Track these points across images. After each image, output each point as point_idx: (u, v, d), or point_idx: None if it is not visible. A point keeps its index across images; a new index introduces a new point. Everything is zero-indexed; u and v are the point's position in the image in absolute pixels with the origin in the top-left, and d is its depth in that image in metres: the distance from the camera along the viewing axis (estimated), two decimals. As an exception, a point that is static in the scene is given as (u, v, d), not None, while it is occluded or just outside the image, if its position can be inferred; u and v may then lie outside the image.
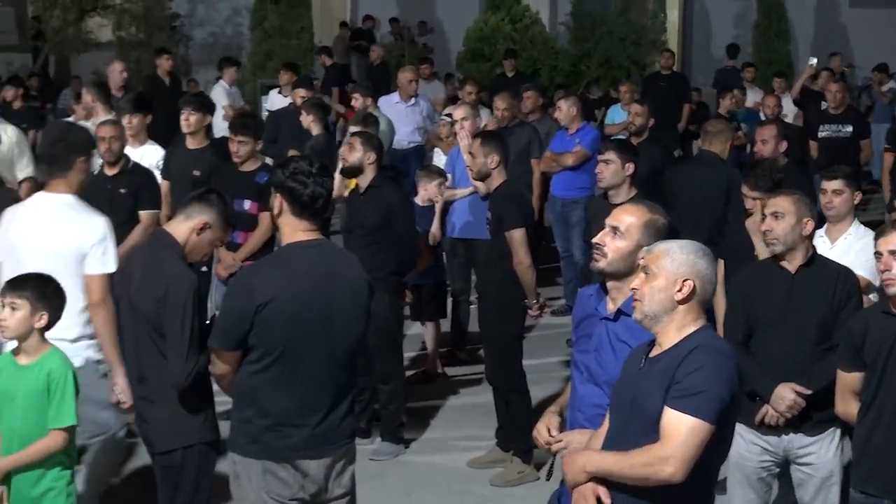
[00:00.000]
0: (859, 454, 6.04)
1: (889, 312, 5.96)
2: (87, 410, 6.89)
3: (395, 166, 12.18)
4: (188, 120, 10.70)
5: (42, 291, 6.24)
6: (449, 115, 13.30)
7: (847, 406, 6.17)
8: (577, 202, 12.81)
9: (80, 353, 7.05)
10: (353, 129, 11.44)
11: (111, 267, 7.04)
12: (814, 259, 6.77)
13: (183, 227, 6.32)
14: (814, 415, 6.67)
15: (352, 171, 9.56)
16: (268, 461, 5.70)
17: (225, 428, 6.03)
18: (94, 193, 8.25)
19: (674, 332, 4.81)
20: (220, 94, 17.24)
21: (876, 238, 6.21)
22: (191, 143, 10.75)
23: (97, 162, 10.45)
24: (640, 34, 26.48)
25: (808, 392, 6.58)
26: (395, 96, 16.05)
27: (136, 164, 9.83)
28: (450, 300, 11.71)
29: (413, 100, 15.88)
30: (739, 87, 20.12)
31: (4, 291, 6.26)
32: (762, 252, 7.53)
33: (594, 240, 5.46)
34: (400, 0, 29.84)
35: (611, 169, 8.84)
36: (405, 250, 9.36)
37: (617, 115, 17.45)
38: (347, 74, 25.32)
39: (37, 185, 10.87)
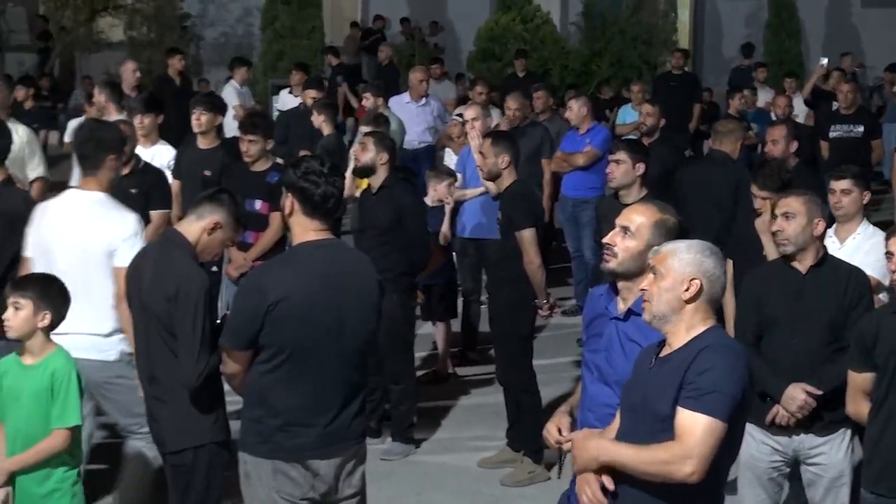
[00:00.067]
0: (870, 454, 6.03)
1: (900, 313, 5.96)
2: (123, 403, 6.93)
3: (407, 167, 12.18)
4: (199, 120, 10.71)
5: (45, 291, 6.25)
6: (460, 115, 13.30)
7: (858, 406, 6.16)
8: (587, 202, 12.81)
9: (113, 347, 7.10)
10: (364, 129, 11.44)
11: None
12: (825, 259, 6.76)
13: (194, 227, 6.33)
14: (824, 415, 6.66)
15: (364, 171, 9.57)
16: (278, 461, 5.70)
17: (235, 428, 6.04)
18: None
19: (683, 331, 4.81)
20: (231, 94, 17.25)
21: (886, 238, 6.21)
22: (202, 143, 10.76)
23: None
24: (651, 34, 26.48)
25: (819, 392, 6.58)
26: (405, 96, 16.05)
27: (148, 164, 9.83)
28: (460, 300, 11.71)
29: (424, 100, 15.88)
30: (750, 87, 20.10)
31: (9, 291, 6.28)
32: (771, 252, 7.52)
33: (604, 240, 5.46)
34: (411, 0, 29.84)
35: (621, 169, 8.84)
36: (417, 251, 9.36)
37: (628, 115, 17.44)
38: (358, 74, 25.34)
39: (48, 184, 10.91)
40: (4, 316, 6.24)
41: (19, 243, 7.50)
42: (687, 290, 4.80)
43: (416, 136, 15.44)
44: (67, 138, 14.62)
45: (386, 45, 25.15)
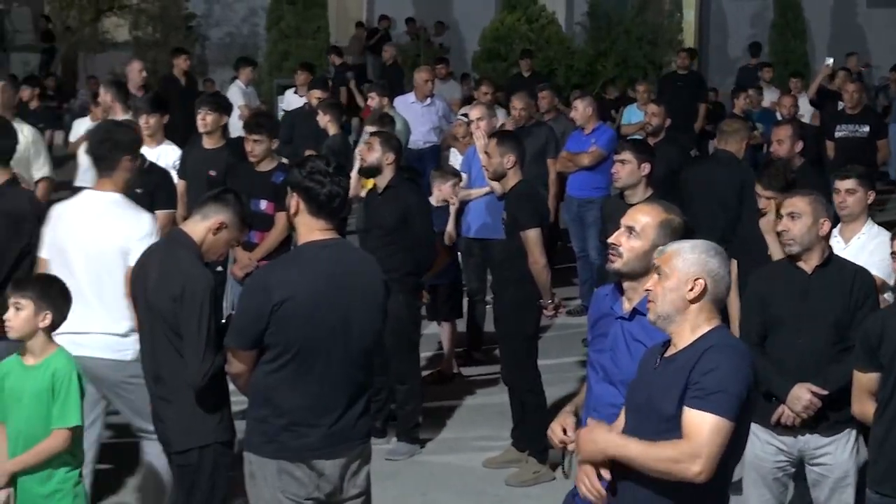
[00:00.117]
0: (875, 455, 6.02)
1: (905, 312, 5.96)
2: (137, 403, 6.94)
3: (412, 167, 12.18)
4: (205, 120, 10.71)
5: (45, 291, 6.26)
6: (465, 115, 13.30)
7: (863, 406, 6.16)
8: (593, 202, 12.81)
9: (130, 347, 7.10)
10: (369, 128, 11.45)
11: None
12: (830, 259, 6.76)
13: (199, 227, 6.33)
14: (830, 415, 6.66)
15: (370, 171, 9.57)
16: (283, 461, 5.71)
17: (240, 427, 6.04)
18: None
19: (688, 331, 4.81)
20: (237, 95, 17.26)
21: (892, 238, 6.21)
22: (207, 143, 10.76)
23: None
24: (656, 34, 26.43)
25: (825, 392, 6.58)
26: (410, 96, 16.06)
27: (153, 164, 9.82)
28: (466, 300, 11.72)
29: (429, 100, 15.89)
30: (756, 86, 20.09)
31: (9, 292, 6.29)
32: (776, 252, 7.52)
33: (609, 240, 5.45)
34: (416, 0, 29.83)
35: (627, 169, 8.84)
36: (422, 251, 9.37)
37: (633, 115, 17.43)
38: (364, 74, 25.34)
39: (53, 184, 10.92)
40: (5, 316, 6.25)
41: (24, 243, 7.52)
42: (691, 290, 4.80)
43: (421, 136, 15.45)
44: (72, 138, 14.63)
45: (390, 44, 25.14)
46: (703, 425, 4.58)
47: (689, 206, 8.87)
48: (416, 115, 15.30)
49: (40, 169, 10.59)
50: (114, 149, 7.36)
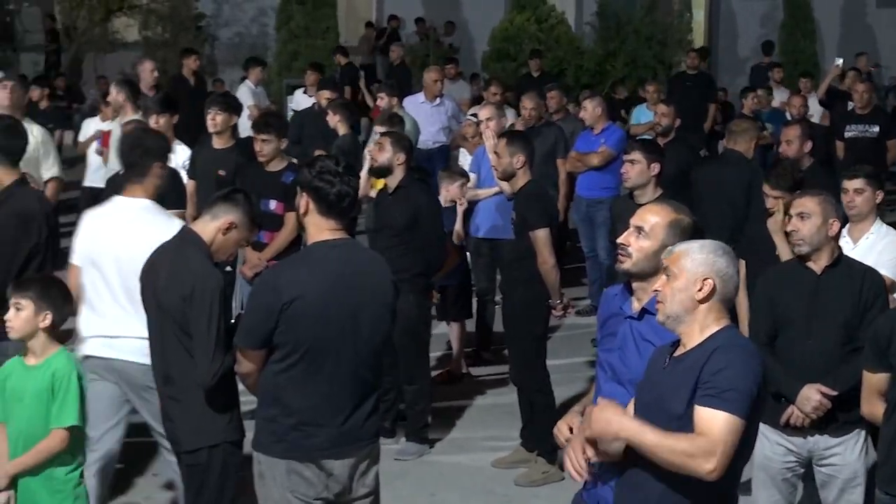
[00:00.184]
0: (884, 455, 6.01)
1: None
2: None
3: (423, 167, 12.18)
4: (214, 120, 10.73)
5: (45, 291, 6.27)
6: (474, 115, 13.31)
7: (872, 407, 6.15)
8: (602, 202, 12.81)
9: None
10: (379, 128, 11.45)
11: None
12: (840, 260, 6.76)
13: (209, 227, 6.34)
14: (839, 416, 6.66)
15: (381, 172, 9.58)
16: (292, 461, 5.71)
17: (249, 427, 6.05)
18: (119, 192, 8.27)
19: (697, 332, 4.81)
20: (246, 95, 17.26)
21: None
22: (217, 143, 10.77)
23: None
24: (665, 34, 26.42)
25: (834, 393, 6.57)
26: (420, 96, 16.05)
27: (163, 164, 9.84)
28: (475, 300, 11.72)
29: (438, 100, 15.88)
30: (765, 86, 20.08)
31: (10, 292, 6.31)
32: (783, 252, 7.52)
33: (619, 240, 5.45)
34: (425, 0, 29.84)
35: (636, 169, 8.84)
36: (432, 251, 9.37)
37: (643, 115, 17.43)
38: (373, 74, 25.33)
39: (62, 184, 10.93)
40: (6, 317, 6.27)
41: (33, 243, 7.53)
42: (700, 290, 4.80)
43: (430, 136, 15.43)
44: (82, 138, 14.65)
45: (397, 44, 25.12)
46: (716, 423, 4.58)
47: (698, 206, 8.88)
48: (426, 115, 15.29)
49: (49, 169, 10.60)
50: (145, 155, 7.38)
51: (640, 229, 5.39)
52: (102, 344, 7.04)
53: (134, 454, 8.22)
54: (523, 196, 8.98)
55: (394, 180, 9.47)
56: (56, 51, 28.48)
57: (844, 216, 7.21)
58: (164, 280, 6.19)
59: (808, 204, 6.71)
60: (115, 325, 6.96)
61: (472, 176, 11.76)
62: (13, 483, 6.21)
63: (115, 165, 11.43)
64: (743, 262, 7.24)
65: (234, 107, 11.14)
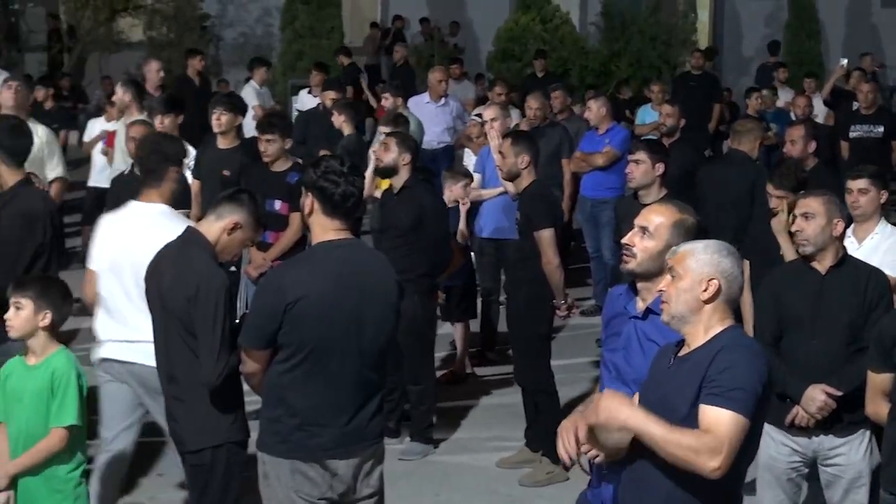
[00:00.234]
0: (889, 455, 6.00)
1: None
2: None
3: (428, 168, 12.18)
4: (219, 120, 10.72)
5: (45, 291, 6.28)
6: (479, 115, 13.31)
7: (877, 407, 6.14)
8: (606, 202, 12.80)
9: None
10: (384, 129, 11.46)
11: None
12: (844, 260, 6.76)
13: (214, 227, 6.34)
14: (844, 416, 6.65)
15: (386, 172, 9.58)
16: (297, 461, 5.71)
17: (254, 428, 6.05)
18: (124, 193, 8.29)
19: (702, 332, 4.81)
20: (251, 95, 17.26)
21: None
22: (221, 143, 10.77)
23: (127, 161, 10.51)
24: (670, 34, 26.42)
25: (839, 393, 6.57)
26: (424, 96, 16.06)
27: (167, 164, 9.85)
28: (479, 300, 11.72)
29: (443, 100, 15.88)
30: (770, 86, 20.07)
31: (10, 292, 6.32)
32: (787, 252, 7.52)
33: (623, 240, 5.45)
34: (430, 0, 29.85)
35: (641, 169, 8.83)
36: (438, 252, 9.37)
37: (647, 116, 17.42)
38: (378, 75, 25.33)
39: (67, 184, 10.94)
40: (6, 316, 6.28)
41: (38, 243, 7.54)
42: (705, 290, 4.80)
43: (434, 136, 15.44)
44: (87, 138, 14.67)
45: (400, 45, 25.11)
46: (722, 422, 4.57)
47: (702, 206, 8.89)
48: (430, 116, 15.30)
49: (54, 169, 10.61)
50: (162, 160, 7.40)
51: (644, 229, 5.39)
52: (120, 347, 7.11)
53: (138, 454, 8.20)
54: (528, 196, 8.98)
55: (399, 181, 9.47)
56: (61, 51, 28.47)
57: (849, 216, 7.21)
58: (168, 280, 6.19)
59: (812, 204, 6.71)
60: (132, 329, 7.00)
61: (477, 176, 11.77)
62: (13, 483, 6.22)
63: (119, 165, 11.48)
64: (747, 263, 7.26)
65: (238, 107, 11.14)
